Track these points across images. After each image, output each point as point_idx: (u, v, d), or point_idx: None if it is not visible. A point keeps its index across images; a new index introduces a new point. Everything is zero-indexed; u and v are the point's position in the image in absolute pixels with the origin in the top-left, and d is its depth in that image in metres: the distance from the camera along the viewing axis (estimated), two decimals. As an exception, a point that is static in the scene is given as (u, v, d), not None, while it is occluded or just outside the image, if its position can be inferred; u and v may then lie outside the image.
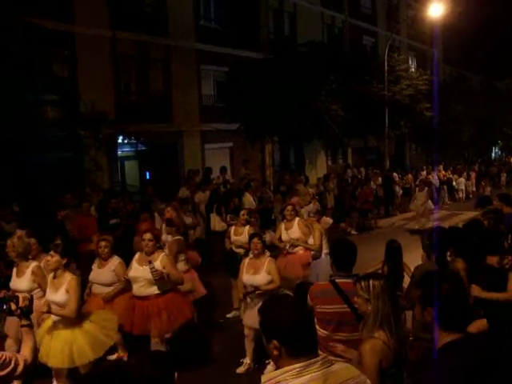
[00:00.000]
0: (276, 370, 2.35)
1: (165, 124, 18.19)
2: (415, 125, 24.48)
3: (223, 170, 17.10)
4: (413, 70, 29.43)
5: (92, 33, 15.77)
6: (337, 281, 4.25)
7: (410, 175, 22.83)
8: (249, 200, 13.92)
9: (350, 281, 4.20)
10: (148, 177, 18.95)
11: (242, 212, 9.18)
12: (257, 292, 6.26)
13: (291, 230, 8.70)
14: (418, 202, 17.16)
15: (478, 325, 4.08)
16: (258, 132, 18.04)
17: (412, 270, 6.13)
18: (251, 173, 18.02)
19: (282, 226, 8.99)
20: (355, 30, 29.62)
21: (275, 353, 2.32)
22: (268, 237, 6.30)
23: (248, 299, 6.37)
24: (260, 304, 6.03)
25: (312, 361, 2.28)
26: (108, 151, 16.22)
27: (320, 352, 2.42)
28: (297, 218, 8.91)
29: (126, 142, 16.95)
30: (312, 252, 8.52)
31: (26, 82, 13.08)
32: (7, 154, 12.24)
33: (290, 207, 9.05)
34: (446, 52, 38.20)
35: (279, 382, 2.25)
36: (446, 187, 23.70)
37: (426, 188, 17.45)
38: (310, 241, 8.46)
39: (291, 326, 2.31)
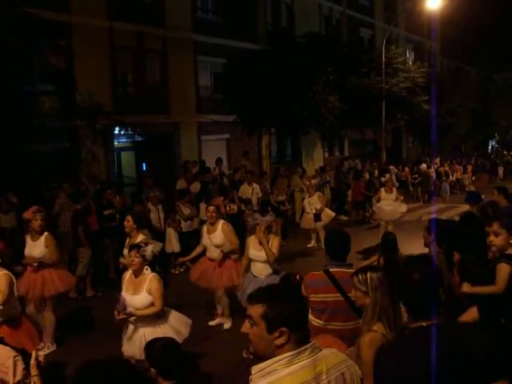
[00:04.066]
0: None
1: (161, 115, 18.16)
2: (412, 117, 24.49)
3: (219, 161, 17.11)
4: (410, 62, 29.37)
5: (89, 23, 15.70)
6: (330, 270, 4.27)
7: (406, 168, 22.88)
8: (257, 190, 13.97)
9: (343, 270, 4.25)
10: (144, 168, 18.95)
11: (128, 219, 7.32)
12: (132, 318, 5.39)
13: (214, 235, 7.69)
14: (384, 207, 13.44)
15: (470, 314, 4.12)
16: (255, 123, 18.03)
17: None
18: (249, 164, 18.01)
19: (204, 228, 7.95)
20: (353, 22, 29.54)
21: (281, 341, 2.29)
22: (149, 249, 5.73)
23: (130, 325, 5.51)
24: (141, 331, 5.31)
25: (302, 349, 2.30)
26: (105, 142, 16.20)
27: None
28: (221, 221, 7.82)
29: (122, 132, 16.92)
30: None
31: (22, 73, 13.03)
32: (3, 145, 12.21)
33: (211, 208, 7.86)
34: (443, 45, 38.17)
35: (270, 373, 2.25)
36: (448, 180, 23.74)
37: (395, 189, 14.04)
38: (253, 253, 7.00)
39: (300, 311, 2.38)
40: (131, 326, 5.46)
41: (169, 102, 18.79)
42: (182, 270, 11.57)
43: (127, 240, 7.22)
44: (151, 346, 3.62)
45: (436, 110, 23.13)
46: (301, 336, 2.32)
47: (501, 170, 30.62)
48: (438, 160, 24.79)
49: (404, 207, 13.98)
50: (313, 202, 13.07)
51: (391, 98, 22.10)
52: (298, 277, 4.71)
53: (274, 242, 6.84)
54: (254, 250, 6.92)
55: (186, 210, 11.96)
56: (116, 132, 16.76)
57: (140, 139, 18.06)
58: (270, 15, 23.89)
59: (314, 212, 12.91)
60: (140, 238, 6.87)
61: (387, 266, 6.17)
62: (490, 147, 43.56)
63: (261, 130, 19.21)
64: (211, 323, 8.07)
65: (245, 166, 16.60)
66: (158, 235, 11.49)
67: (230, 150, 21.47)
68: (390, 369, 2.48)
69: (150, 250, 5.79)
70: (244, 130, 18.27)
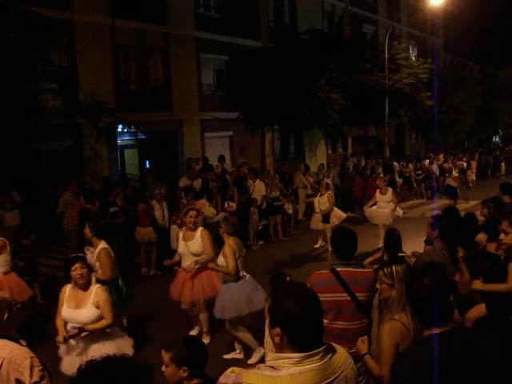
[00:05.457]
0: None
1: (164, 113, 18.17)
2: (415, 114, 24.44)
3: (221, 158, 17.11)
4: (413, 58, 29.31)
5: (91, 21, 15.70)
6: (337, 269, 4.22)
7: (410, 164, 22.82)
8: (260, 187, 13.94)
9: (350, 269, 4.22)
10: (148, 165, 18.97)
11: (86, 230, 6.63)
12: (83, 334, 4.84)
13: (191, 242, 7.06)
14: (379, 210, 12.54)
15: (477, 310, 4.11)
16: (258, 120, 18.02)
17: (411, 257, 6.16)
18: (249, 161, 18.01)
19: (180, 234, 7.32)
20: (355, 18, 29.49)
21: (277, 340, 2.31)
22: (89, 255, 5.36)
23: (72, 341, 4.91)
24: (83, 347, 4.86)
25: (314, 352, 2.28)
26: (108, 140, 16.21)
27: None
28: (200, 228, 7.21)
29: (125, 130, 16.94)
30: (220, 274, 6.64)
31: (25, 71, 13.06)
32: (7, 143, 12.24)
33: (193, 213, 7.21)
34: (446, 40, 38.05)
35: (280, 366, 2.25)
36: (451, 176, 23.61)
37: (390, 189, 12.91)
38: (220, 260, 6.51)
39: (298, 318, 2.28)
40: (72, 342, 4.92)
41: (172, 99, 18.80)
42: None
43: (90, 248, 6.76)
44: (173, 345, 3.41)
45: (439, 106, 23.07)
46: (297, 342, 2.27)
47: (503, 165, 30.59)
48: (441, 156, 24.70)
49: (399, 212, 13.08)
50: (322, 202, 12.49)
51: (394, 95, 22.06)
52: (288, 279, 4.58)
53: (227, 252, 6.33)
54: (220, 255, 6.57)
55: (191, 207, 11.97)
56: (119, 130, 16.77)
57: (143, 137, 18.09)
58: (273, 12, 23.85)
59: (323, 213, 12.38)
60: (102, 245, 6.46)
61: (389, 262, 6.16)
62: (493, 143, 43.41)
63: (264, 127, 19.21)
64: (192, 333, 7.36)
65: (246, 163, 16.63)
66: (163, 232, 11.56)
67: (233, 147, 21.46)
68: (406, 379, 2.49)
69: (90, 254, 5.38)
70: (247, 127, 18.25)
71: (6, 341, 3.57)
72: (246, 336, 6.54)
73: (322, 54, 17.50)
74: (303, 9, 24.82)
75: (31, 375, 3.43)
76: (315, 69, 17.11)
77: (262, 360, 6.19)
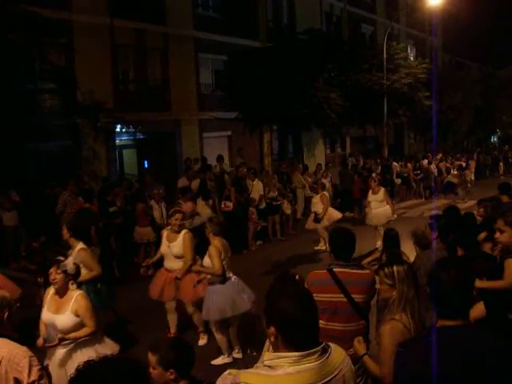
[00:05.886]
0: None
1: (163, 112, 18.14)
2: (414, 114, 24.46)
3: (220, 158, 17.11)
4: (412, 58, 29.33)
5: (90, 21, 15.67)
6: (334, 270, 4.21)
7: (409, 164, 22.84)
8: (258, 187, 13.92)
9: (347, 270, 4.20)
10: (146, 165, 18.96)
11: (64, 231, 6.56)
12: (64, 343, 4.76)
13: (174, 244, 7.11)
14: (373, 211, 12.44)
15: (477, 310, 4.11)
16: (257, 120, 18.01)
17: (409, 257, 6.15)
18: (247, 161, 18.01)
19: (165, 234, 7.37)
20: (354, 18, 29.47)
21: (272, 339, 2.33)
22: (70, 262, 5.10)
23: (56, 349, 4.86)
24: (59, 355, 4.71)
25: (311, 351, 2.28)
26: (106, 140, 16.18)
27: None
28: (184, 231, 7.22)
29: (124, 130, 16.90)
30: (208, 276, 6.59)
31: (23, 71, 13.04)
32: (5, 143, 12.22)
33: (179, 215, 7.26)
34: (445, 40, 38.06)
35: (277, 366, 2.26)
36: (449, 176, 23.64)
37: (383, 189, 12.74)
38: (206, 261, 6.51)
39: (292, 317, 2.29)
40: (51, 349, 4.88)
41: (170, 99, 18.77)
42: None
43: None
44: (160, 348, 3.40)
45: (437, 105, 23.09)
46: (291, 341, 2.29)
47: (501, 165, 30.66)
48: (439, 156, 24.74)
49: (393, 215, 12.68)
50: (315, 202, 12.62)
51: (393, 94, 22.08)
52: (297, 277, 4.56)
53: (212, 252, 6.34)
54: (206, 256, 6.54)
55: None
56: (117, 130, 16.74)
57: (141, 137, 18.05)
58: (271, 12, 23.83)
59: (314, 212, 12.47)
60: (80, 245, 6.36)
61: (390, 262, 6.13)
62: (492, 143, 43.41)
63: (262, 126, 19.20)
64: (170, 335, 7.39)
65: (244, 163, 16.63)
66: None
67: (231, 147, 21.44)
68: (409, 363, 2.52)
69: (71, 263, 5.25)
70: (245, 126, 18.24)
71: (6, 340, 3.60)
72: (221, 339, 6.60)
73: (320, 54, 17.49)
74: (302, 9, 24.79)
75: (29, 374, 3.46)
76: (314, 69, 17.11)
77: (223, 365, 6.24)
